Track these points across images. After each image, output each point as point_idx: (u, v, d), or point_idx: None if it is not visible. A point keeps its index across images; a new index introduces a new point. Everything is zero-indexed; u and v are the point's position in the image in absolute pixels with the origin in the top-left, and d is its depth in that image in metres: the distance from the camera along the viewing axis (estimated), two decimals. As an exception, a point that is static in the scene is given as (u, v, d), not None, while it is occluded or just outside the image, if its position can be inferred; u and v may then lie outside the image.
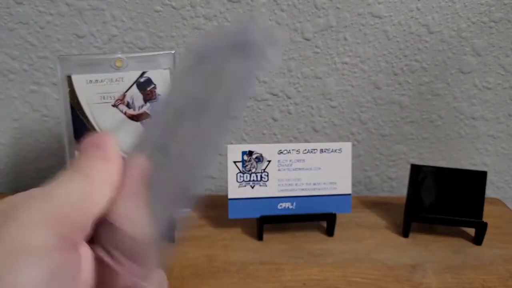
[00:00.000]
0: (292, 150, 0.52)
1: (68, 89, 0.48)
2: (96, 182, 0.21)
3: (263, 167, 0.51)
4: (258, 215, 0.51)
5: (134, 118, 0.49)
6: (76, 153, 0.22)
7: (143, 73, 0.49)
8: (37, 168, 0.66)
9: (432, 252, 0.51)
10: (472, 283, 0.45)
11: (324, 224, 0.54)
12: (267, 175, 0.52)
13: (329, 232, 0.53)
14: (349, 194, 0.54)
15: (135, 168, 0.23)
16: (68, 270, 0.18)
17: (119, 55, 0.48)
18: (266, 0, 0.60)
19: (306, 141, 0.67)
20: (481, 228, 0.52)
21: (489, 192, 0.68)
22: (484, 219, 0.52)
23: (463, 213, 0.53)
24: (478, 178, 0.54)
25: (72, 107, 0.48)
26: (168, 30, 0.61)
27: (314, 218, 0.54)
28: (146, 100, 0.49)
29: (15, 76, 0.62)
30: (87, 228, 0.20)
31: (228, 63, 0.22)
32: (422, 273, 0.47)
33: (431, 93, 0.65)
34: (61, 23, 0.60)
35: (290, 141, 0.67)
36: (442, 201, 0.54)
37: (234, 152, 0.51)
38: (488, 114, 0.66)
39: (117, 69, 0.48)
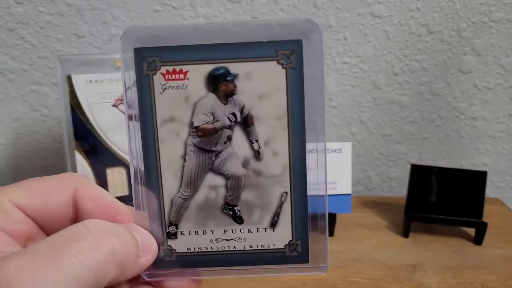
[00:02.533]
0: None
1: (68, 89, 0.48)
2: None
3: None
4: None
5: (134, 118, 0.49)
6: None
7: (143, 73, 0.48)
8: (37, 168, 0.66)
9: (432, 252, 0.51)
10: (472, 283, 0.45)
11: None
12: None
13: (329, 232, 0.53)
14: (349, 194, 0.54)
15: None
16: None
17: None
18: (266, 0, 0.60)
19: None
20: (481, 228, 0.52)
21: (489, 192, 0.68)
22: (484, 219, 0.52)
23: (463, 213, 0.53)
24: (478, 178, 0.54)
25: (72, 107, 0.48)
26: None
27: (314, 218, 0.54)
28: (146, 100, 0.49)
29: (15, 76, 0.62)
30: None
31: None
32: (422, 273, 0.47)
33: (431, 93, 0.65)
34: (61, 23, 0.60)
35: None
36: (442, 201, 0.54)
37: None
38: (488, 114, 0.66)
39: (117, 69, 0.48)
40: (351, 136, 0.67)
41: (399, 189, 0.70)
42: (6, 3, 0.59)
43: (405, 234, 0.54)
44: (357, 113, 0.66)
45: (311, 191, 0.25)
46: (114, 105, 0.48)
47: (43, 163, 0.66)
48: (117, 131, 0.49)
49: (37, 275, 0.17)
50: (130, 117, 0.25)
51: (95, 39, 0.61)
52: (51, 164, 0.65)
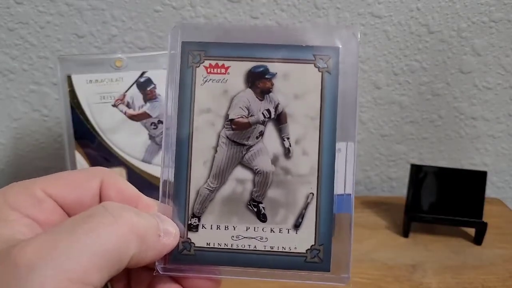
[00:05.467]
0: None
1: (68, 89, 0.48)
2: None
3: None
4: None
5: (134, 118, 0.49)
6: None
7: (143, 73, 0.49)
8: (37, 168, 0.66)
9: (432, 252, 0.51)
10: (472, 283, 0.45)
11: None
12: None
13: (329, 232, 0.53)
14: (349, 194, 0.54)
15: None
16: None
17: (119, 55, 0.48)
18: (266, 0, 0.60)
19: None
20: (481, 228, 0.52)
21: (489, 192, 0.68)
22: (484, 219, 0.52)
23: (463, 213, 0.53)
24: (478, 178, 0.54)
25: (72, 107, 0.48)
26: (168, 30, 0.60)
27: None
28: (146, 100, 0.49)
29: (15, 76, 0.62)
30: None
31: None
32: (422, 273, 0.47)
33: (431, 93, 0.65)
34: (61, 23, 0.60)
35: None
36: (442, 201, 0.54)
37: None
38: (488, 114, 0.66)
39: (117, 69, 0.48)
40: (351, 136, 0.67)
41: (399, 189, 0.70)
42: (6, 3, 0.59)
43: (405, 234, 0.54)
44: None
45: (337, 190, 0.25)
46: (114, 105, 0.48)
47: (43, 163, 0.66)
48: (117, 131, 0.49)
49: (55, 251, 0.18)
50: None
51: (95, 39, 0.61)
52: (51, 164, 0.65)
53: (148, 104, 0.49)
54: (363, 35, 0.62)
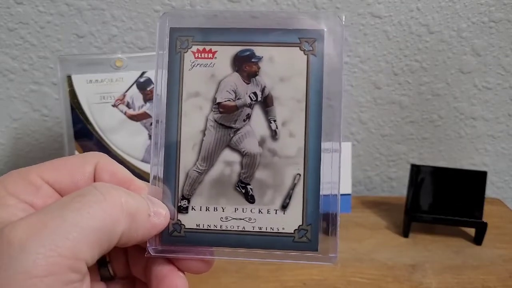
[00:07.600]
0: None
1: (68, 89, 0.48)
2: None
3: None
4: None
5: (134, 118, 0.49)
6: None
7: (143, 73, 0.49)
8: (37, 168, 0.66)
9: (432, 252, 0.51)
10: (472, 283, 0.45)
11: (324, 224, 0.54)
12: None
13: (329, 232, 0.53)
14: (349, 194, 0.54)
15: None
16: None
17: (119, 55, 0.48)
18: (266, 0, 0.60)
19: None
20: (481, 228, 0.52)
21: (489, 192, 0.68)
22: (484, 219, 0.52)
23: (463, 213, 0.53)
24: (478, 178, 0.54)
25: (72, 107, 0.48)
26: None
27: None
28: (146, 100, 0.49)
29: (15, 76, 0.62)
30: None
31: None
32: (422, 273, 0.47)
33: (431, 93, 0.65)
34: (61, 23, 0.60)
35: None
36: (442, 201, 0.54)
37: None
38: (488, 114, 0.66)
39: (117, 69, 0.48)
40: (350, 136, 0.67)
41: (399, 189, 0.70)
42: (6, 3, 0.59)
43: (405, 234, 0.54)
44: (357, 113, 0.66)
45: (323, 190, 0.25)
46: (114, 105, 0.48)
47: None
48: (117, 131, 0.49)
49: (45, 229, 0.18)
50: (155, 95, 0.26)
51: (95, 39, 0.61)
52: (51, 164, 0.65)
53: (148, 104, 0.49)
54: (363, 35, 0.62)
